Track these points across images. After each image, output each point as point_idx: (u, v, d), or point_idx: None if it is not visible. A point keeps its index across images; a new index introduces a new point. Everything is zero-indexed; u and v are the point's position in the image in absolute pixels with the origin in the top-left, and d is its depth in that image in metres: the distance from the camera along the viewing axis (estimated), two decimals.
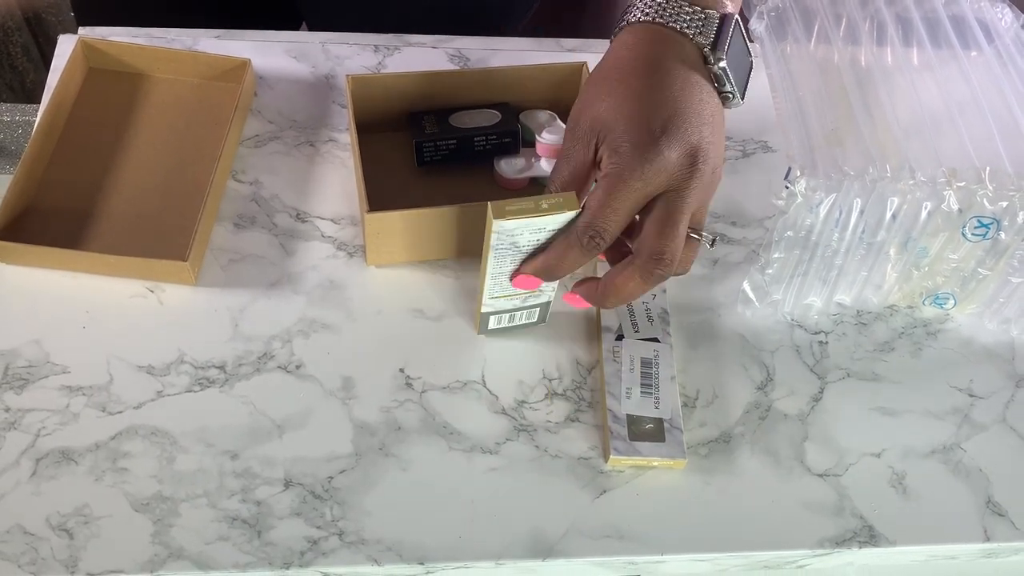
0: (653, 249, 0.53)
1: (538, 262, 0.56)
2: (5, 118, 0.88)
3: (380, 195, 0.65)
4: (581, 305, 0.59)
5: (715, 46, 0.55)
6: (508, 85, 0.71)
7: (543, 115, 0.72)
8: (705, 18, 0.55)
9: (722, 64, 0.55)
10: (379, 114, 0.71)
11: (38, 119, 0.68)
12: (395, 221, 0.63)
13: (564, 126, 0.70)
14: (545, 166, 0.70)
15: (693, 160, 0.52)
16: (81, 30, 0.76)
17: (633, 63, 0.54)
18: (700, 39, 0.55)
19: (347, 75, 0.68)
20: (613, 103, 0.53)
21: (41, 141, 0.68)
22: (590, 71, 0.71)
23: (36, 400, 0.60)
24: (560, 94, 0.73)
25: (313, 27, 0.82)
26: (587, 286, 0.58)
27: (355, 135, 0.66)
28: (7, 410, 0.59)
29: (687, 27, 0.55)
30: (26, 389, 0.60)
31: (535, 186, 0.70)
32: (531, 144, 0.71)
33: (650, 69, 0.54)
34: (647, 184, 0.52)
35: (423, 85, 0.70)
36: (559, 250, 0.55)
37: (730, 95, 0.56)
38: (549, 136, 0.69)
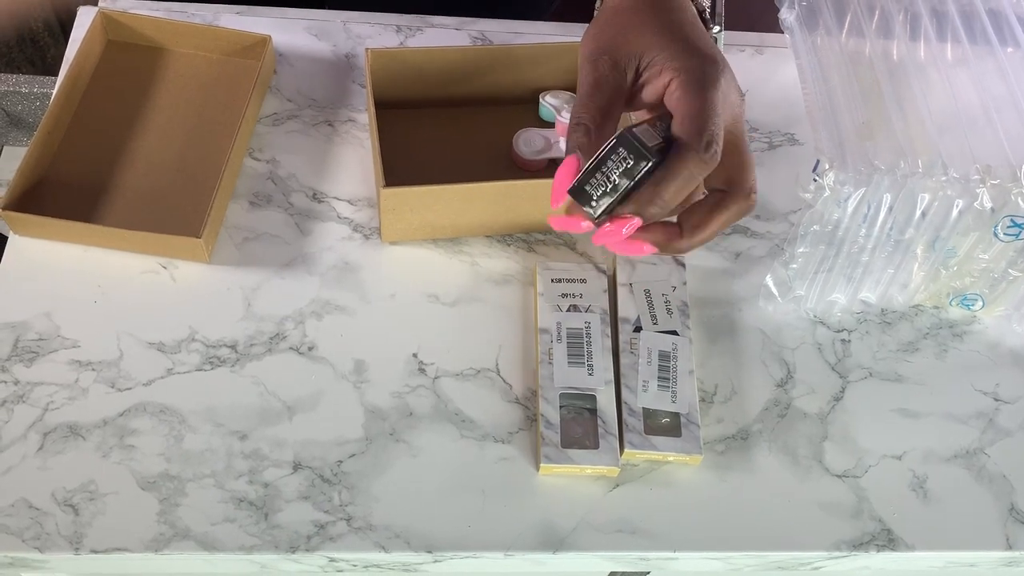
0: (749, 185, 0.50)
1: (648, 198, 0.48)
2: (23, 90, 0.87)
3: (397, 172, 0.65)
4: (637, 252, 0.52)
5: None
6: (529, 64, 0.70)
7: (563, 95, 0.70)
8: None
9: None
10: (399, 90, 0.70)
11: (55, 91, 0.68)
12: (411, 197, 0.62)
13: None
14: (564, 147, 0.68)
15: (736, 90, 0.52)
16: (101, 2, 0.75)
17: (642, 3, 0.53)
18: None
19: (367, 48, 0.67)
20: (648, 33, 0.52)
21: (57, 113, 0.67)
22: None
23: (45, 374, 0.59)
24: None
25: (335, 5, 0.81)
26: (660, 231, 0.51)
27: (372, 109, 0.65)
28: (16, 383, 0.59)
29: None
30: (35, 362, 0.59)
31: (554, 167, 0.69)
32: (550, 124, 0.70)
33: (661, 6, 0.53)
34: (724, 97, 0.50)
35: (444, 61, 0.69)
36: (677, 175, 0.48)
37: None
38: (568, 116, 0.68)
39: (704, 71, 0.50)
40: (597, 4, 0.59)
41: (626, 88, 0.52)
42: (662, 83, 0.51)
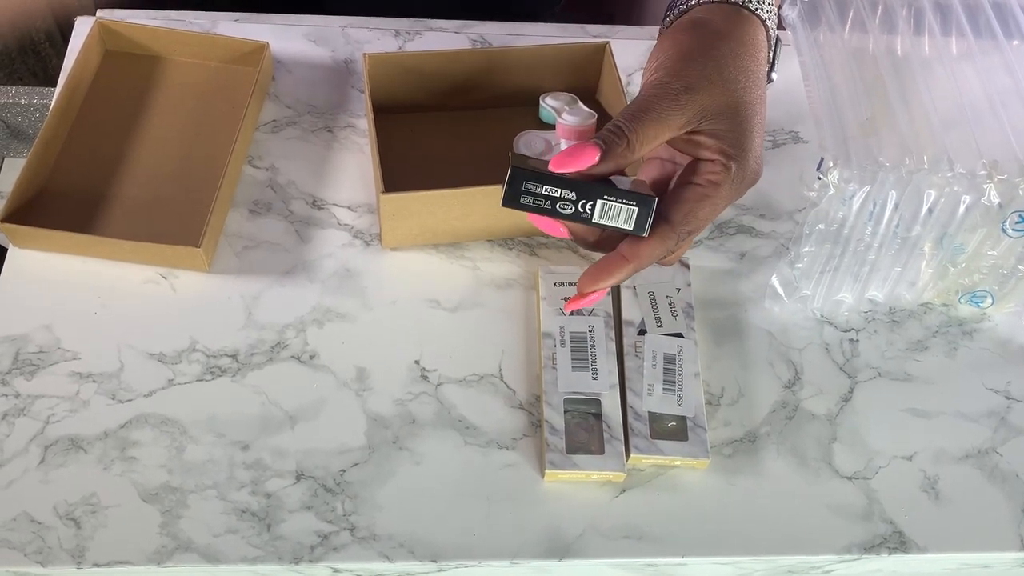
0: (696, 229, 0.51)
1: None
2: (23, 101, 0.87)
3: (397, 177, 0.64)
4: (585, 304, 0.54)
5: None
6: (529, 66, 0.70)
7: (564, 97, 0.70)
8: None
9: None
10: (397, 95, 0.69)
11: (53, 102, 0.67)
12: (411, 202, 0.62)
13: (585, 109, 0.68)
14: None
15: (754, 181, 0.52)
16: (99, 12, 0.75)
17: (729, 47, 0.52)
18: (769, 23, 0.54)
19: (364, 54, 0.67)
20: (723, 95, 0.51)
21: (56, 123, 0.67)
22: (613, 53, 0.69)
23: (46, 386, 0.59)
24: (581, 75, 0.71)
25: (333, 11, 0.81)
26: (606, 263, 0.51)
27: (371, 114, 0.65)
28: (17, 396, 0.58)
29: (760, 9, 0.54)
30: (36, 375, 0.59)
31: None
32: (551, 127, 0.70)
33: (741, 57, 0.52)
34: (733, 200, 0.51)
35: (442, 64, 0.69)
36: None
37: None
38: (570, 118, 0.67)
39: (745, 179, 0.51)
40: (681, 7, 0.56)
41: (677, 134, 0.50)
42: (704, 155, 0.50)
